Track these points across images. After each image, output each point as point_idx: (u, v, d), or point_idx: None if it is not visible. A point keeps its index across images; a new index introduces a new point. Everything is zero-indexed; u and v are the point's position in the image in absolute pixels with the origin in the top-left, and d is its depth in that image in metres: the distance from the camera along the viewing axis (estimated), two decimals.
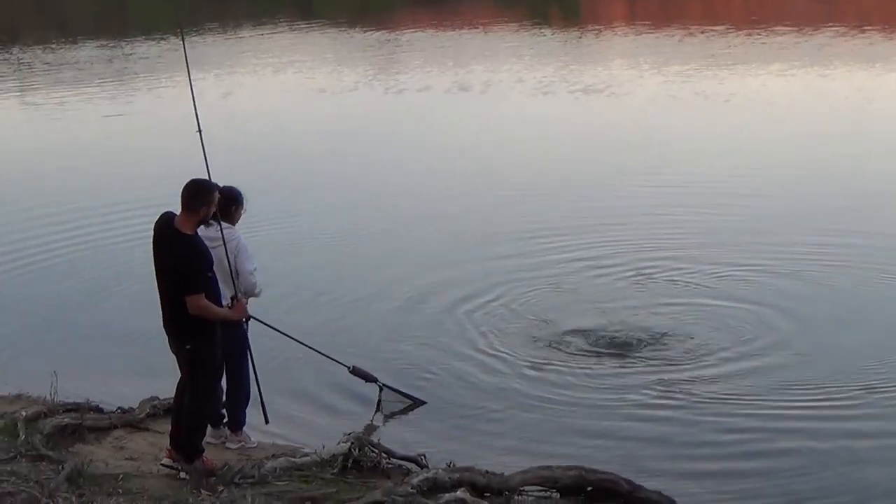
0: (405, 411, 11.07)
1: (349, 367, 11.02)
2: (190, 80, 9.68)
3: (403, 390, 11.20)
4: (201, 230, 8.91)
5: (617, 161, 22.84)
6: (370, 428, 10.27)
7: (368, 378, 11.06)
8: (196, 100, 9.18)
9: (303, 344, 10.92)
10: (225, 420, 10.00)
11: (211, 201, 8.49)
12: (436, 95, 33.43)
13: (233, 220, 9.52)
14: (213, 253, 8.87)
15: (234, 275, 9.32)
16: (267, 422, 9.74)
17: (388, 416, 10.98)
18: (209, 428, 9.80)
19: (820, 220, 17.56)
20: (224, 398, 9.85)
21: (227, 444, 9.88)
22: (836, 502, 9.12)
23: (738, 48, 42.22)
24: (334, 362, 11.04)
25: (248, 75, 39.67)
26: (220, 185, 9.07)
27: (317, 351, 10.99)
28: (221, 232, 9.04)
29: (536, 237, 16.96)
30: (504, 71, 37.70)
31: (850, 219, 17.47)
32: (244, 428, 10.02)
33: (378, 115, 30.54)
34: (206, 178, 8.76)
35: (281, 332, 10.60)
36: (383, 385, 11.08)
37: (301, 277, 15.27)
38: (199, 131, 8.99)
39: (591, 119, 29.07)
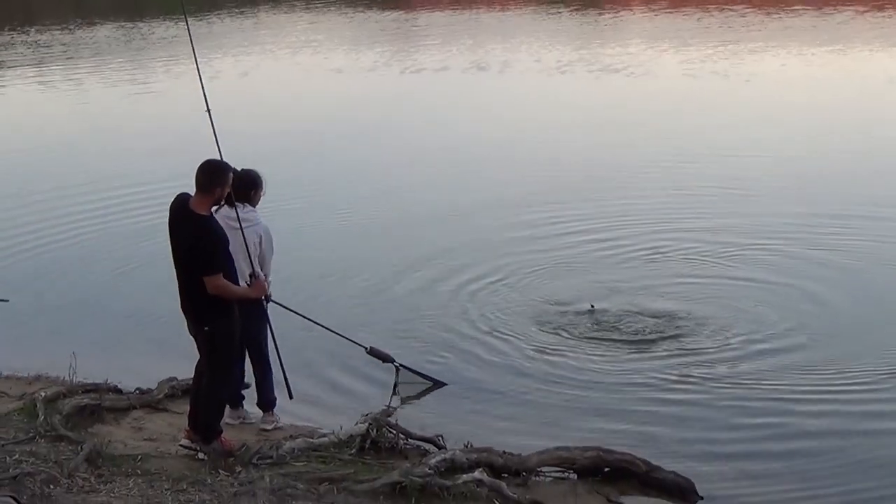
0: (423, 393, 11.07)
1: (366, 348, 11.04)
2: (196, 60, 9.67)
3: (421, 371, 11.22)
4: (223, 210, 8.99)
5: (636, 140, 22.80)
6: (388, 409, 10.25)
7: (386, 359, 11.07)
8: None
9: (320, 325, 10.96)
10: (244, 400, 10.05)
11: (225, 182, 8.49)
12: (454, 76, 33.41)
13: (252, 202, 9.56)
14: (234, 233, 8.93)
15: (259, 259, 9.37)
16: (291, 397, 9.73)
17: (406, 398, 10.98)
18: (228, 408, 9.85)
19: (842, 198, 17.52)
20: (244, 380, 9.92)
21: (262, 425, 9.90)
22: (856, 484, 9.06)
23: (757, 28, 42.05)
24: (351, 343, 11.06)
25: (265, 55, 39.70)
26: (239, 167, 9.11)
27: (334, 332, 11.04)
28: (237, 213, 9.04)
29: (553, 217, 16.96)
30: (522, 51, 37.65)
31: (872, 197, 17.42)
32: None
33: (396, 95, 30.54)
34: (218, 156, 8.75)
35: (298, 314, 10.65)
36: (400, 365, 11.10)
37: (314, 258, 15.27)
38: (208, 111, 8.98)
39: (609, 98, 29.02)
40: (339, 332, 11.08)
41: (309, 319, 10.85)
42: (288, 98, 30.08)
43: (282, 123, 25.56)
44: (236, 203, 9.06)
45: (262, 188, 9.61)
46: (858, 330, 12.23)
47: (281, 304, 10.24)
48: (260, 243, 9.43)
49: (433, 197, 18.76)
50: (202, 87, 9.08)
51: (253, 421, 10.03)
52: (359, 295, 13.87)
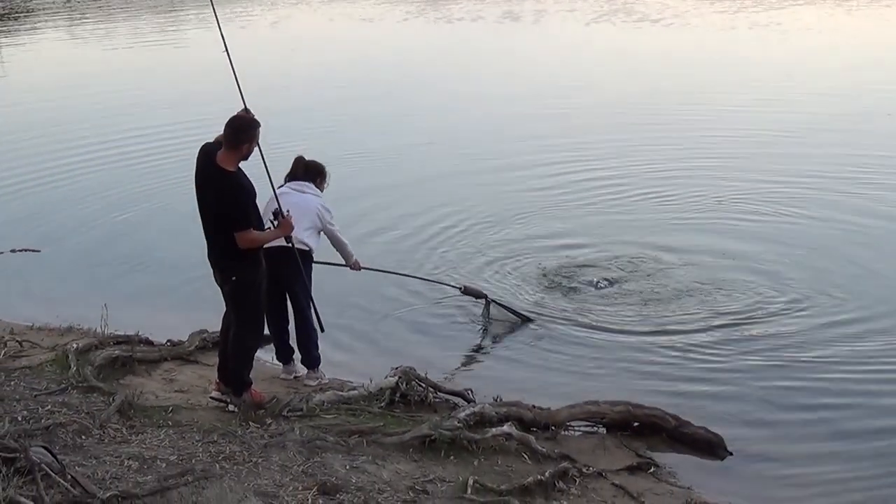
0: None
1: (460, 288, 11.65)
2: (213, 4, 9.73)
3: (513, 308, 11.57)
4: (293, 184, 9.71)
5: (679, 84, 22.78)
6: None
7: (478, 295, 11.64)
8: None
9: (410, 276, 11.90)
10: (294, 354, 10.12)
11: (253, 137, 8.45)
12: (491, 26, 33.29)
13: (319, 189, 10.05)
14: (299, 196, 9.60)
15: (328, 235, 9.98)
16: (322, 330, 9.78)
17: (490, 332, 11.39)
18: (281, 365, 10.09)
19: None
20: (285, 335, 10.04)
21: (306, 381, 9.94)
22: (890, 443, 9.01)
23: None
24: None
25: (297, 6, 39.58)
26: (305, 157, 10.00)
27: (425, 279, 12.04)
28: (273, 188, 9.15)
29: (593, 172, 16.99)
30: (554, 2, 37.43)
31: None
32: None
33: (428, 46, 30.49)
34: (240, 96, 8.78)
35: (387, 272, 11.51)
36: (492, 301, 11.53)
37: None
38: (226, 51, 8.97)
39: (645, 47, 28.92)
40: (430, 279, 12.15)
41: (399, 274, 11.69)
42: (317, 47, 30.08)
43: (309, 74, 25.59)
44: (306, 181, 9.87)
45: (326, 179, 10.10)
46: None
47: (370, 268, 10.91)
48: (319, 218, 9.78)
49: (470, 146, 18.78)
50: (219, 29, 9.13)
51: (301, 375, 10.10)
52: (393, 243, 13.95)
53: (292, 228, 8.91)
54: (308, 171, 9.97)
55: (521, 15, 34.73)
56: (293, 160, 10.02)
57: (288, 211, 8.90)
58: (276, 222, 8.84)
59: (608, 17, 33.83)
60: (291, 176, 9.96)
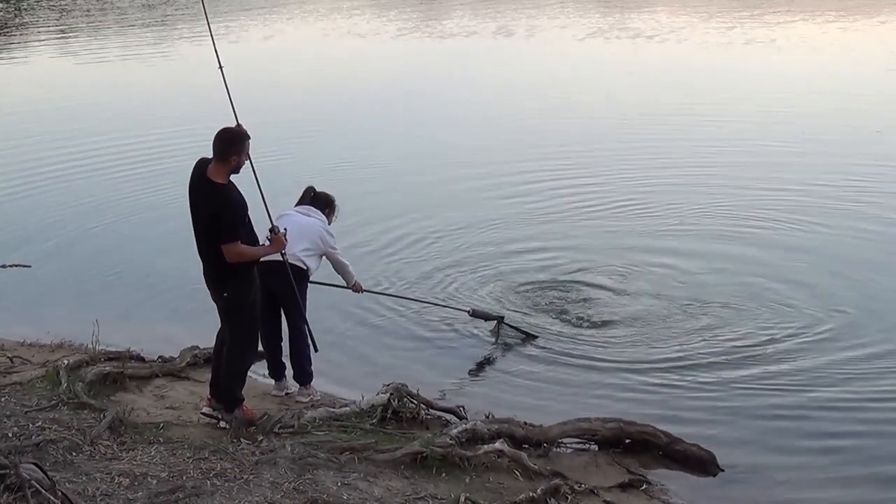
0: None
1: (469, 311, 11.58)
2: (207, 18, 9.76)
3: (521, 328, 11.57)
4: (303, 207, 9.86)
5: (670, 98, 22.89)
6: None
7: (489, 317, 11.61)
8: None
9: (417, 300, 11.98)
10: (286, 370, 10.09)
11: (242, 149, 8.45)
12: (482, 40, 33.44)
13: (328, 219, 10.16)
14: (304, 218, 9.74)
15: (330, 259, 10.10)
16: (316, 350, 9.75)
17: (502, 347, 11.38)
18: (274, 381, 10.07)
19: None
20: (277, 350, 10.02)
21: (298, 398, 9.94)
22: (880, 460, 9.00)
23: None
24: (445, 308, 11.89)
25: (290, 21, 39.68)
26: (317, 189, 10.17)
27: (433, 303, 11.97)
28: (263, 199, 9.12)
29: (582, 185, 17.00)
30: (547, 17, 37.61)
31: None
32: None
33: (421, 60, 30.62)
34: (232, 114, 8.79)
35: (391, 295, 11.92)
36: (503, 321, 11.55)
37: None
38: (221, 68, 9.01)
39: (636, 62, 29.10)
40: (439, 303, 12.03)
41: (402, 297, 11.91)
42: (308, 61, 30.14)
43: (299, 87, 25.65)
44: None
45: (335, 212, 10.23)
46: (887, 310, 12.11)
47: (373, 291, 11.40)
48: (321, 240, 9.84)
49: (459, 159, 18.77)
50: (214, 46, 9.09)
51: (293, 391, 10.09)
52: (378, 262, 13.87)
53: (284, 246, 8.88)
54: (316, 201, 10.10)
55: (514, 30, 34.87)
56: (304, 189, 10.14)
57: (286, 229, 8.90)
58: (269, 237, 8.83)
59: (603, 33, 34.01)
60: (300, 203, 10.08)
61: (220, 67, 9.02)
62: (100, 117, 24.29)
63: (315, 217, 9.93)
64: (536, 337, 11.45)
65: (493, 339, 11.46)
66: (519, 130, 21.55)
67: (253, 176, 8.81)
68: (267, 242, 8.78)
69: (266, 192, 8.92)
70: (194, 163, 8.58)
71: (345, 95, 25.37)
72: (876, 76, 26.83)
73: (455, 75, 28.06)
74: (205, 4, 9.93)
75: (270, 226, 8.89)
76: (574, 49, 31.54)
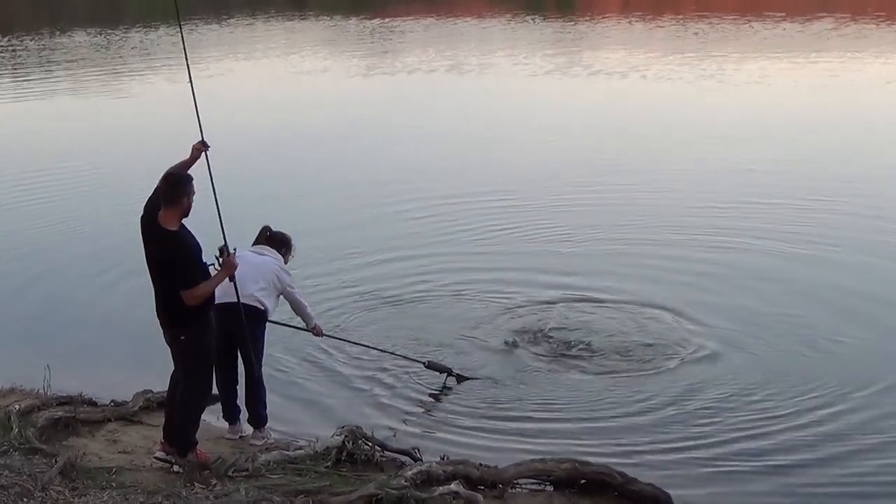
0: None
1: (424, 363, 11.52)
2: (191, 82, 9.37)
3: (472, 375, 11.56)
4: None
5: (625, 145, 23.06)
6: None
7: (443, 370, 11.48)
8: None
9: (375, 349, 11.81)
10: (241, 413, 10.04)
11: (190, 191, 8.47)
12: (433, 79, 33.74)
13: (284, 259, 10.12)
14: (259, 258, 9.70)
15: (287, 298, 10.01)
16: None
17: (456, 390, 11.36)
18: (228, 424, 10.01)
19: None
20: (232, 393, 9.97)
21: (252, 441, 9.88)
22: (834, 494, 9.08)
23: (733, 37, 42.51)
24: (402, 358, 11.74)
25: (241, 62, 39.75)
26: (272, 228, 10.12)
27: (391, 353, 11.83)
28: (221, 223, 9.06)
29: (535, 224, 17.10)
30: (499, 56, 38.04)
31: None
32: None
33: (375, 99, 30.83)
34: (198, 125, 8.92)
35: (353, 342, 11.83)
36: (458, 375, 11.48)
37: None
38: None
39: (582, 101, 29.48)
40: (396, 352, 11.87)
41: (361, 345, 11.77)
42: (260, 103, 30.26)
43: (254, 130, 25.70)
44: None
45: (291, 251, 10.20)
46: (845, 343, 12.23)
47: (334, 336, 11.58)
48: (277, 279, 9.81)
49: (420, 199, 18.83)
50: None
51: (247, 434, 10.03)
52: (332, 305, 13.80)
53: (236, 267, 8.80)
54: (272, 241, 10.07)
55: (469, 69, 35.26)
56: (260, 229, 10.13)
57: (235, 249, 8.82)
58: (220, 260, 8.76)
59: (561, 70, 34.49)
60: (255, 242, 10.05)
61: (190, 82, 9.11)
62: (46, 154, 24.13)
63: (269, 255, 9.90)
64: (491, 379, 11.45)
65: (441, 389, 11.39)
66: (461, 162, 21.70)
67: (212, 192, 8.87)
68: (217, 264, 8.73)
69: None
70: (143, 205, 8.57)
71: (291, 135, 25.41)
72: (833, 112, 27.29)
73: (398, 113, 28.31)
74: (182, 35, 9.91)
75: (221, 245, 8.79)
76: (534, 85, 32.01)
